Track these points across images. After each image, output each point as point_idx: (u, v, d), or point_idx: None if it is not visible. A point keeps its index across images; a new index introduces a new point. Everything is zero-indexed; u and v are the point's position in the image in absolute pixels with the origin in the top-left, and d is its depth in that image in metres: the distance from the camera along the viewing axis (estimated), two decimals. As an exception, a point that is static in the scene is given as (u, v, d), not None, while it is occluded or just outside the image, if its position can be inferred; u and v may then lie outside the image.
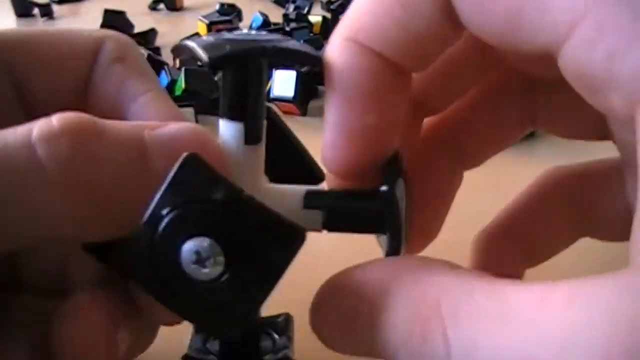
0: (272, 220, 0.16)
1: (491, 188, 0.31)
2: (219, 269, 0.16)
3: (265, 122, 0.19)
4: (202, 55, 0.16)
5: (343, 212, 0.18)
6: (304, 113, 0.48)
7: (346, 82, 0.17)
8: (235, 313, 0.16)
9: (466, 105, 0.22)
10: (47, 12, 0.74)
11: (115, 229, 0.17)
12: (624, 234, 0.14)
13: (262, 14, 0.63)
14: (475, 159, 0.22)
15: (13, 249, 0.17)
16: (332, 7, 0.67)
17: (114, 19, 0.63)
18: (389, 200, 0.17)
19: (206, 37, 0.18)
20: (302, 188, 0.19)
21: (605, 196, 0.21)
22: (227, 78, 0.18)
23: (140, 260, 0.16)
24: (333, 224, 0.18)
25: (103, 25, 0.63)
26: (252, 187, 0.18)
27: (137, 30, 0.64)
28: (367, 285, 0.16)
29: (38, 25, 0.74)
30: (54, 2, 0.78)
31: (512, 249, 0.22)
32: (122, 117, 0.21)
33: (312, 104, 0.49)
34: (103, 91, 0.22)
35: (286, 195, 0.19)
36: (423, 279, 0.15)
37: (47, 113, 0.17)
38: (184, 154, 0.16)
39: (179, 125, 0.18)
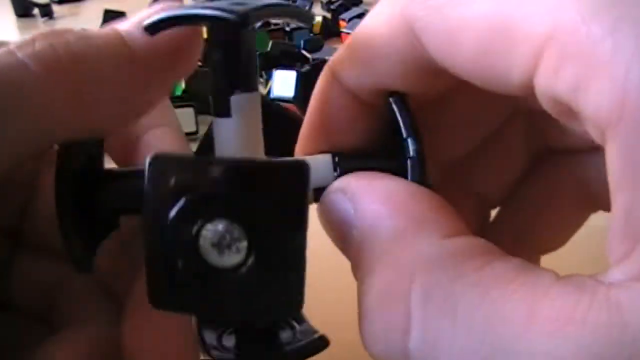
0: (270, 168, 0.15)
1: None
2: (243, 246, 0.14)
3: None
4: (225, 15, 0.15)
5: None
6: (304, 113, 0.48)
7: (313, 108, 0.19)
8: (281, 286, 0.15)
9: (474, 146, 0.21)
10: (47, 12, 0.74)
11: (103, 122, 0.17)
12: None
13: (262, 14, 0.63)
14: (495, 197, 0.21)
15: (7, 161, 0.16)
16: (332, 7, 0.67)
17: (114, 19, 0.63)
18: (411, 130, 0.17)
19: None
20: (326, 155, 0.19)
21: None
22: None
23: (168, 286, 0.15)
24: None
25: (103, 26, 0.63)
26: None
27: (137, 30, 0.64)
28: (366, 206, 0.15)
29: (38, 25, 0.74)
30: (54, 2, 0.78)
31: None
32: (132, 147, 0.20)
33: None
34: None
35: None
36: (409, 240, 0.14)
37: None
38: (149, 157, 0.15)
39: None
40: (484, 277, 0.13)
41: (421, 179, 0.17)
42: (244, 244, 0.14)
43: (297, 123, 0.21)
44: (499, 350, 0.12)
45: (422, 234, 0.14)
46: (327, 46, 0.57)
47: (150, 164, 0.14)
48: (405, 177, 0.17)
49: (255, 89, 0.18)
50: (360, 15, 0.61)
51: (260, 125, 0.19)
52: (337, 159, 0.18)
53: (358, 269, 0.15)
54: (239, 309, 0.15)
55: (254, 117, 0.18)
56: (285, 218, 0.14)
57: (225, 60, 0.17)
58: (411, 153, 0.17)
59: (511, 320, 0.12)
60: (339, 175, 0.18)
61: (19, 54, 0.16)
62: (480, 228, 0.21)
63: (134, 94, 0.17)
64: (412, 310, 0.13)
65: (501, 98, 0.16)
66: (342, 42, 0.57)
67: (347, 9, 0.64)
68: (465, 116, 0.20)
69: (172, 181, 0.15)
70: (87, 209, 0.17)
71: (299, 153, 0.19)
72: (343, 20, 0.61)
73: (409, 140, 0.17)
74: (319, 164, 0.18)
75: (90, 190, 0.18)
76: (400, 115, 0.17)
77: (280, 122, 0.20)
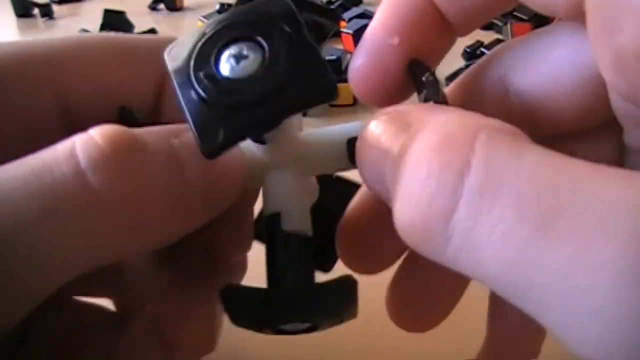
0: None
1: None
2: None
3: None
4: (200, 144, 0.16)
5: None
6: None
7: (386, 8, 0.18)
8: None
9: None
10: (47, 12, 0.74)
11: (154, 242, 0.17)
12: None
13: (262, 14, 0.63)
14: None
15: (70, 278, 0.16)
16: (332, 7, 0.67)
17: (114, 19, 0.63)
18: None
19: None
20: (342, 136, 0.19)
21: None
22: None
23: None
24: None
25: (103, 25, 0.63)
26: (290, 155, 0.19)
27: (137, 30, 0.64)
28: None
29: (38, 25, 0.74)
30: (54, 2, 0.77)
31: None
32: None
33: (312, 104, 0.49)
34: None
35: (329, 150, 0.19)
36: (470, 114, 0.14)
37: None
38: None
39: None
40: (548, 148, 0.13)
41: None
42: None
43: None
44: (565, 191, 0.11)
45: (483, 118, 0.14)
46: (327, 46, 0.57)
47: None
48: None
49: None
50: (361, 15, 0.61)
51: None
52: (350, 145, 0.19)
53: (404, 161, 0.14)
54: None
55: None
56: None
57: None
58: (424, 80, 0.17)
59: (578, 166, 0.12)
60: None
61: (90, 178, 0.15)
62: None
63: (179, 213, 0.17)
64: (476, 149, 0.12)
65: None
66: (342, 42, 0.57)
67: (347, 9, 0.64)
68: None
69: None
70: None
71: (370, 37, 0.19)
72: (343, 20, 0.60)
73: (424, 77, 0.17)
74: (331, 149, 0.19)
75: None
76: (419, 72, 0.18)
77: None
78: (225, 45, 0.16)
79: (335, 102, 0.48)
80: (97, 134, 0.16)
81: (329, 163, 0.19)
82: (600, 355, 0.11)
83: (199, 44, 0.16)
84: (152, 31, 0.63)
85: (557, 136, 0.20)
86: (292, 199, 0.18)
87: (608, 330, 0.10)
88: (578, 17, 0.15)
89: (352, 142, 0.18)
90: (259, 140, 0.18)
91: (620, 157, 0.19)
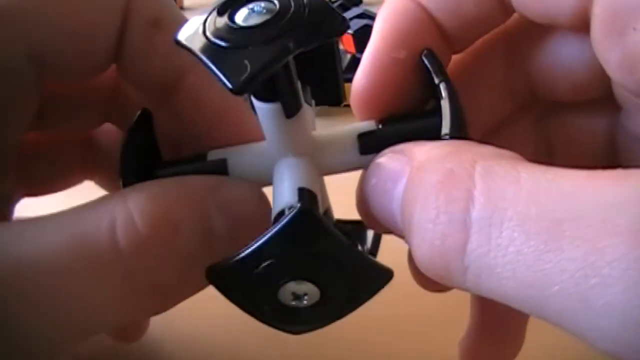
0: (367, 264, 0.17)
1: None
2: (314, 301, 0.17)
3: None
4: (226, 82, 0.16)
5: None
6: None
7: (387, 22, 0.19)
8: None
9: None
10: None
11: (165, 306, 0.19)
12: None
13: (262, 14, 0.63)
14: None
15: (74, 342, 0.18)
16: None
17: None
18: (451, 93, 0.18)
19: (211, 41, 0.17)
20: (352, 132, 0.19)
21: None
22: None
23: (236, 288, 0.17)
24: None
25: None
26: (303, 149, 0.19)
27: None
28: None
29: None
30: None
31: None
32: (171, 94, 0.21)
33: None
34: (143, 62, 0.21)
35: (341, 145, 0.19)
36: (465, 146, 0.15)
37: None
38: (297, 207, 0.16)
39: (239, 192, 0.19)
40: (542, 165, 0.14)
41: (457, 118, 0.17)
42: (316, 295, 0.17)
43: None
44: (565, 202, 0.12)
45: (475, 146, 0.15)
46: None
47: (295, 216, 0.16)
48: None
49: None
50: (361, 15, 0.61)
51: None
52: (361, 140, 0.19)
53: (410, 203, 0.15)
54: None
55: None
56: (352, 298, 0.18)
57: (285, 75, 0.18)
58: (443, 94, 0.18)
59: (573, 175, 0.13)
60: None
61: (127, 259, 0.17)
62: None
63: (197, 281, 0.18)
64: (475, 182, 0.13)
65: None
66: (342, 42, 0.57)
67: (347, 9, 0.64)
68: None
69: (296, 238, 0.16)
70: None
71: (370, 57, 0.19)
72: (343, 20, 0.60)
73: (441, 85, 0.18)
74: (343, 146, 0.20)
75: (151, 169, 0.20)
76: (432, 66, 0.18)
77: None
78: (238, 7, 0.17)
79: (345, 102, 0.48)
80: (136, 213, 0.17)
81: (341, 158, 0.20)
82: (622, 348, 0.11)
83: (213, 12, 0.17)
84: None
85: (556, 106, 0.20)
86: (310, 180, 0.19)
87: (625, 323, 0.11)
88: (582, 25, 0.15)
89: (362, 136, 0.19)
90: (271, 98, 0.18)
91: (612, 133, 0.20)
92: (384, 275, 0.17)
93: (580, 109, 0.21)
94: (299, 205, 0.16)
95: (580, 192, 0.12)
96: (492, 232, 0.13)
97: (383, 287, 0.17)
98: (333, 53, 0.23)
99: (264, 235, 0.16)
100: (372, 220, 0.18)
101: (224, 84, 0.15)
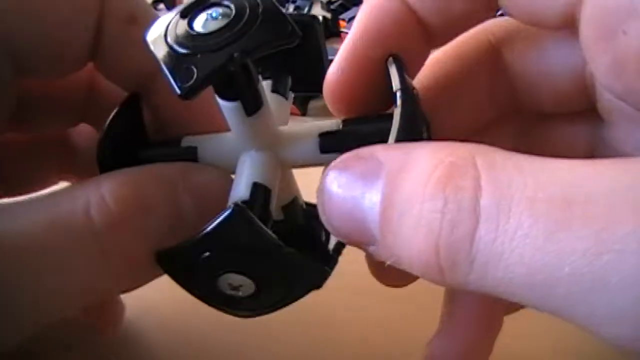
0: (299, 264, 0.18)
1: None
2: (248, 293, 0.18)
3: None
4: (175, 87, 0.17)
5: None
6: (304, 113, 0.48)
7: (366, 18, 0.19)
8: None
9: None
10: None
11: (137, 283, 0.20)
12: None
13: (262, 13, 0.63)
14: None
15: (50, 319, 0.19)
16: (332, 7, 0.67)
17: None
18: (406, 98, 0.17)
19: (165, 44, 0.18)
20: (315, 130, 0.20)
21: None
22: None
23: (180, 274, 0.19)
24: None
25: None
26: (265, 144, 0.20)
27: (137, 30, 0.64)
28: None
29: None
30: None
31: None
32: (150, 89, 0.21)
33: (312, 104, 0.49)
34: (121, 57, 0.21)
35: (302, 143, 0.20)
36: (454, 144, 0.15)
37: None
38: (232, 206, 0.17)
39: (208, 176, 0.20)
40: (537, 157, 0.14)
41: (405, 125, 0.17)
42: (252, 288, 0.18)
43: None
44: (570, 185, 0.12)
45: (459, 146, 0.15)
46: (327, 46, 0.57)
47: (230, 214, 0.17)
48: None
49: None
50: (360, 15, 0.61)
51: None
52: (322, 140, 0.20)
53: (390, 204, 0.15)
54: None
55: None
56: (288, 292, 0.19)
57: (243, 77, 0.19)
58: (398, 103, 0.17)
59: (573, 162, 0.13)
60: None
61: (98, 228, 0.18)
62: None
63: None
64: (480, 171, 0.13)
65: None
66: (342, 42, 0.57)
67: (347, 9, 0.64)
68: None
69: (232, 235, 0.17)
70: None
71: (344, 56, 0.19)
72: (343, 20, 0.60)
73: (398, 94, 0.18)
74: (304, 145, 0.20)
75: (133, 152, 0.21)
76: (395, 72, 0.18)
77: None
78: (199, 11, 0.18)
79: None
80: (108, 194, 0.18)
81: (302, 155, 0.20)
82: (638, 329, 0.11)
83: (175, 16, 0.18)
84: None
85: (539, 116, 0.20)
86: (267, 174, 0.20)
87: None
88: (569, 27, 0.15)
89: (323, 136, 0.20)
90: (231, 97, 0.19)
91: (592, 146, 0.20)
92: (318, 274, 0.18)
93: (562, 121, 0.21)
94: (232, 205, 0.17)
95: (583, 176, 0.12)
96: (500, 219, 0.13)
97: (318, 284, 0.18)
98: (318, 42, 0.23)
99: (204, 229, 0.17)
100: (333, 227, 0.17)
101: (173, 89, 0.16)
